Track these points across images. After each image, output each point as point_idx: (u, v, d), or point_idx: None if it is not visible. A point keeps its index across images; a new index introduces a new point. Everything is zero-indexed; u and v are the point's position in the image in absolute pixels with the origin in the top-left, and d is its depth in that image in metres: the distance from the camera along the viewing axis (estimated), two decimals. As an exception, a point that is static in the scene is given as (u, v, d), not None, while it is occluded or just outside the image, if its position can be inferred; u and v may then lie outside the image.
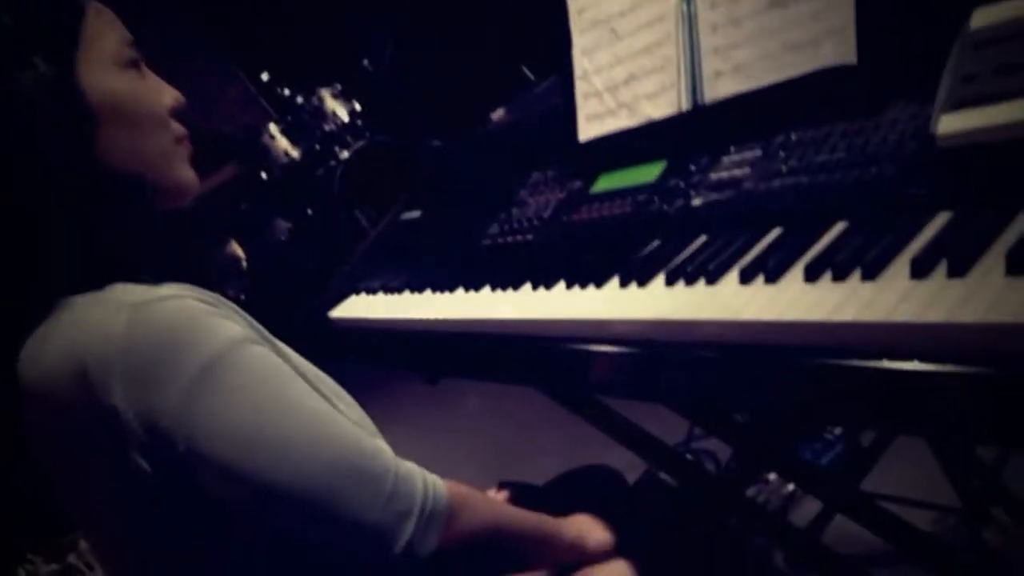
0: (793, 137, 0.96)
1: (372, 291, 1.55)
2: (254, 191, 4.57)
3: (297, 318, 1.76)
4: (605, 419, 1.60)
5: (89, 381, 0.72)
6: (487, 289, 1.22)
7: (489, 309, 1.16)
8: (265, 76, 4.31)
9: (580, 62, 1.30)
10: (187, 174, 0.91)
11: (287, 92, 4.17)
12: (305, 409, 0.77)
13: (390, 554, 0.78)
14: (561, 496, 1.18)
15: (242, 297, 3.92)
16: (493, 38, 4.53)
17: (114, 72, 0.84)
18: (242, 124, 4.93)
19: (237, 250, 4.81)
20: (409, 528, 0.79)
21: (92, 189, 0.80)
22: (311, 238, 4.24)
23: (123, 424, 0.72)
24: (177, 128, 0.91)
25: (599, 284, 1.01)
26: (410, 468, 0.83)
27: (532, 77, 4.67)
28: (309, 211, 4.19)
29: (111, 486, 0.78)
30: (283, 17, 4.77)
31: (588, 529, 1.03)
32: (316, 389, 0.82)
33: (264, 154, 4.17)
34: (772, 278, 0.80)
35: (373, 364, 1.59)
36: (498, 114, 5.41)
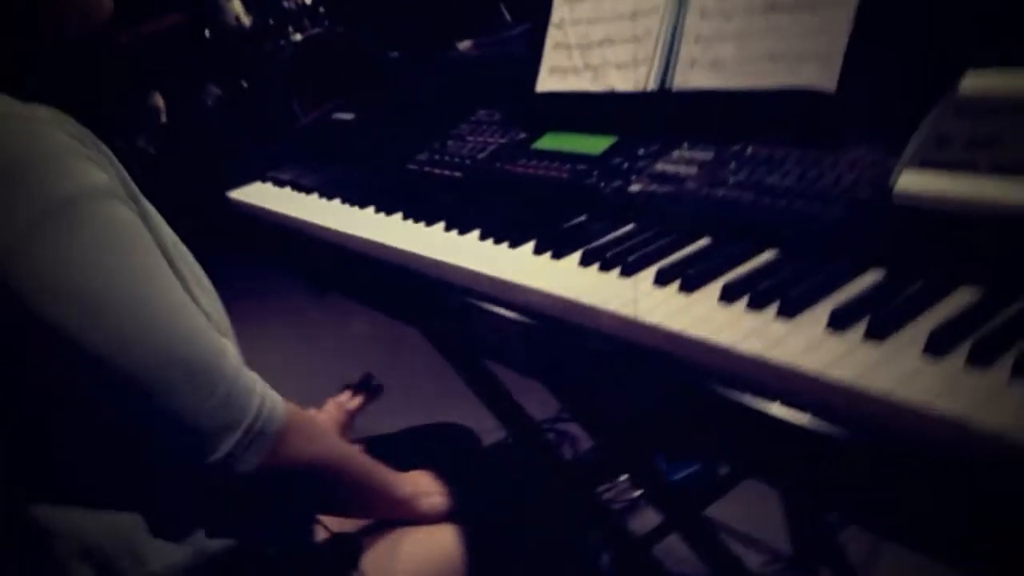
0: (749, 150, 0.91)
1: (280, 183, 1.45)
2: (193, 48, 4.31)
3: (196, 189, 1.65)
4: (477, 378, 1.56)
5: None
6: (398, 215, 1.15)
7: (395, 237, 1.09)
8: (235, -67, 4.04)
9: (560, 8, 1.22)
10: (103, 2, 0.80)
11: (254, -45, 3.93)
12: (153, 285, 0.69)
13: (204, 461, 0.71)
14: (409, 448, 1.13)
15: (152, 151, 3.70)
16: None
17: None
18: (199, -26, 4.64)
19: (159, 102, 4.56)
20: (231, 440, 0.72)
21: None
22: (239, 112, 4.03)
23: None
24: None
25: (514, 244, 0.95)
26: (251, 380, 0.76)
27: (509, 18, 4.55)
28: (244, 84, 3.98)
29: None
30: None
31: (425, 489, 0.98)
32: (174, 267, 0.74)
33: (214, 13, 3.92)
34: (688, 287, 0.76)
35: (262, 260, 1.50)
36: (464, 45, 5.27)
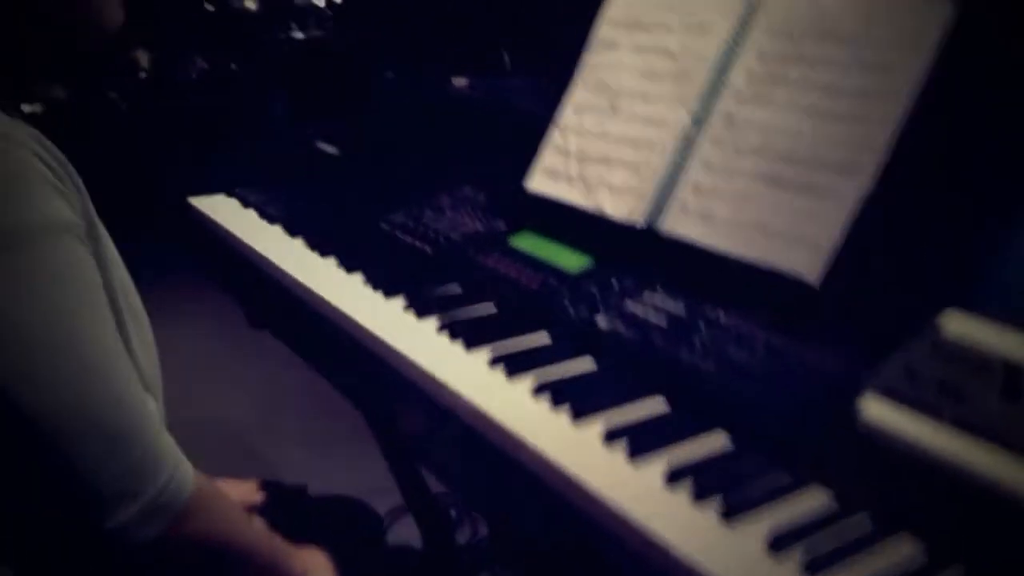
0: (721, 316, 0.91)
1: (246, 203, 1.41)
2: (190, 15, 4.24)
3: (161, 185, 1.60)
4: (387, 440, 1.52)
5: None
6: (359, 276, 1.12)
7: (351, 303, 1.06)
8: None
9: (567, 113, 1.22)
10: (115, 16, 0.76)
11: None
12: (88, 332, 0.65)
13: (100, 526, 0.67)
14: (311, 518, 1.09)
15: (123, 106, 3.60)
16: (486, 10, 4.41)
17: None
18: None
19: (142, 59, 4.45)
20: (129, 512, 0.68)
21: None
22: (219, 95, 3.96)
23: None
24: None
25: (469, 346, 0.93)
26: (164, 449, 0.72)
27: (508, 66, 4.57)
28: (233, 67, 3.92)
29: None
30: None
31: (315, 568, 0.95)
32: (118, 315, 0.70)
33: (222, -12, 3.88)
34: (634, 453, 0.74)
35: (207, 271, 1.45)
36: (460, 81, 5.26)
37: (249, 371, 2.71)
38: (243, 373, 2.72)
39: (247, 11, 3.88)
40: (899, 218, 0.85)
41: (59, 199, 0.64)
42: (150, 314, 0.85)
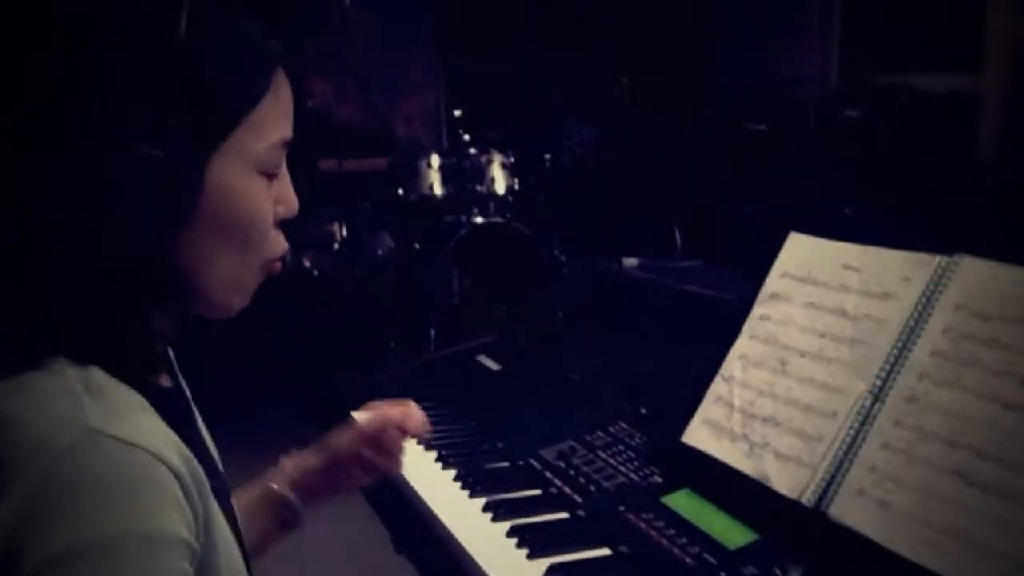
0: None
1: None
2: (384, 197, 4.57)
3: (341, 382, 1.66)
4: None
5: (3, 461, 0.60)
6: (504, 527, 1.08)
7: (491, 558, 1.02)
8: (458, 113, 4.33)
9: (731, 363, 1.16)
10: (238, 303, 0.77)
11: (467, 137, 4.17)
12: None
13: None
14: None
15: (315, 273, 3.85)
16: (658, 193, 4.48)
17: (247, 174, 0.71)
18: (413, 136, 4.98)
19: (336, 230, 4.80)
20: None
21: (144, 270, 0.67)
22: (403, 271, 4.18)
23: None
24: (276, 243, 0.77)
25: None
26: None
27: (679, 247, 4.59)
28: (417, 245, 4.15)
29: None
30: (502, 70, 4.83)
31: None
32: None
33: (412, 175, 4.16)
34: None
35: (369, 500, 1.44)
36: (630, 261, 5.32)
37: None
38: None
39: (433, 196, 4.13)
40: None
41: (175, 512, 0.62)
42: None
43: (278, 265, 0.78)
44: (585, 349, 1.67)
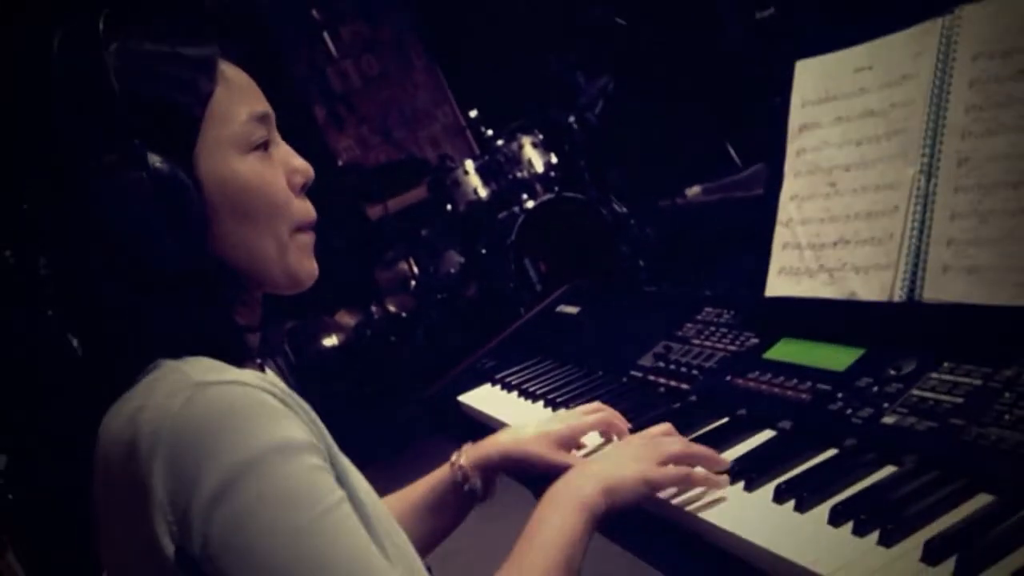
0: (1026, 377, 0.78)
1: (508, 387, 1.45)
2: (437, 219, 4.64)
3: (429, 391, 1.70)
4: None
5: (137, 453, 0.67)
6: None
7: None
8: (474, 113, 4.36)
9: (786, 207, 1.15)
10: (304, 266, 0.82)
11: (490, 132, 4.19)
12: (336, 544, 0.67)
13: None
14: None
15: (403, 315, 3.92)
16: (700, 112, 4.39)
17: (235, 158, 0.77)
18: (443, 153, 5.03)
19: (410, 268, 4.89)
20: None
21: (197, 276, 0.74)
22: (479, 278, 4.23)
23: (155, 504, 0.66)
24: (300, 210, 0.82)
25: (749, 487, 0.87)
26: None
27: (738, 160, 4.49)
28: (483, 251, 4.19)
29: (140, 559, 0.71)
30: (499, 60, 4.85)
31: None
32: (365, 519, 0.72)
33: (454, 187, 4.21)
34: None
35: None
36: (693, 191, 5.22)
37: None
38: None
39: (480, 199, 4.16)
40: None
41: (293, 422, 0.69)
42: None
43: (310, 232, 0.83)
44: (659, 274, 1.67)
